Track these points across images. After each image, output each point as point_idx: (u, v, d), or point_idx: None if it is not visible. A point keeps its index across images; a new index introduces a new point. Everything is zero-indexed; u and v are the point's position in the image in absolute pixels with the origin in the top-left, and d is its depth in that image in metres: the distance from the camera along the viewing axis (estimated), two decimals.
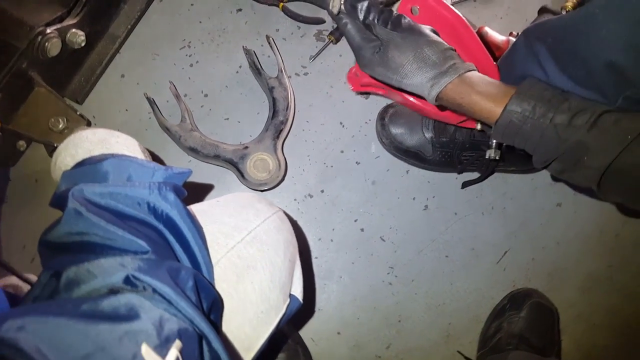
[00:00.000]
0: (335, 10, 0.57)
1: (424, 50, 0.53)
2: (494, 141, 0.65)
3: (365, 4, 0.56)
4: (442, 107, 0.64)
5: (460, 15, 0.63)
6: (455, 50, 0.56)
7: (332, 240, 0.88)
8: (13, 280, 0.78)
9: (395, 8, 0.63)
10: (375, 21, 0.56)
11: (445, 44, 0.56)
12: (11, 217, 0.86)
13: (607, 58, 0.45)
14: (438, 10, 0.62)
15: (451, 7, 0.63)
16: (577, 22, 0.48)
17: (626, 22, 0.43)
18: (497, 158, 0.65)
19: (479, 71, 0.56)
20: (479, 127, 0.68)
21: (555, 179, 0.89)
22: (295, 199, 0.88)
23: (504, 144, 0.59)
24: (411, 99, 0.68)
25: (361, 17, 0.56)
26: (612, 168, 0.46)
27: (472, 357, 0.85)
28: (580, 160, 0.48)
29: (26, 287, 0.77)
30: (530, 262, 0.89)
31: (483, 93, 0.52)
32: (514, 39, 0.81)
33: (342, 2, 0.57)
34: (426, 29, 0.56)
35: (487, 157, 0.62)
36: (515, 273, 0.89)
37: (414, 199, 0.89)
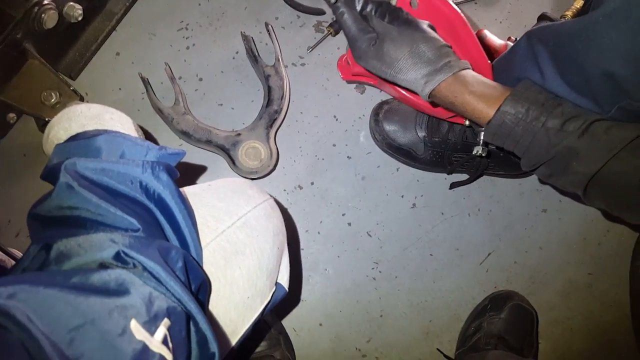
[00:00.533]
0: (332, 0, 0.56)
1: (420, 46, 0.53)
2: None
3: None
4: (434, 104, 0.64)
5: (460, 12, 0.63)
6: (452, 48, 0.56)
7: (319, 233, 0.88)
8: None
9: (394, 1, 0.63)
10: (373, 13, 0.56)
11: (442, 40, 0.56)
12: None
13: (605, 67, 0.46)
14: (437, 6, 0.63)
15: (451, 3, 0.63)
16: (580, 29, 0.49)
17: (629, 32, 0.43)
18: (483, 155, 0.65)
19: (473, 69, 0.56)
20: (467, 122, 0.69)
21: (542, 183, 0.91)
22: (284, 190, 0.89)
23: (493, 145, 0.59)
24: (403, 92, 0.69)
25: (359, 7, 0.56)
26: (599, 175, 0.47)
27: (451, 355, 0.86)
28: (569, 166, 0.49)
29: (10, 262, 0.76)
30: (512, 265, 0.91)
31: (476, 93, 0.52)
32: (512, 44, 0.82)
33: None
34: (424, 24, 0.56)
35: (474, 153, 0.62)
36: (498, 275, 0.90)
37: (402, 196, 0.90)
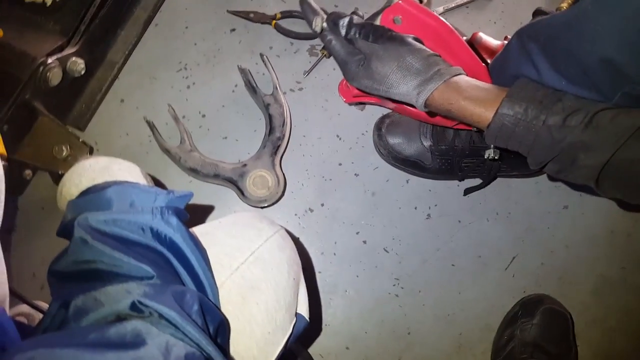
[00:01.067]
0: (318, 29, 0.58)
1: (407, 58, 0.53)
2: None
3: (346, 20, 0.57)
4: (432, 114, 0.64)
5: (444, 20, 0.63)
6: (440, 56, 0.56)
7: (334, 254, 0.87)
8: (24, 308, 0.79)
9: (378, 21, 0.64)
10: (357, 35, 0.57)
11: (429, 50, 0.56)
12: (20, 245, 0.86)
13: (601, 54, 0.45)
14: (421, 18, 0.63)
15: (434, 13, 0.63)
16: (570, 19, 0.48)
17: (618, 16, 0.43)
18: (496, 157, 0.64)
19: (467, 75, 0.56)
20: (474, 127, 0.68)
21: (552, 180, 0.89)
22: (296, 214, 0.88)
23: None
24: (404, 105, 0.69)
25: (343, 32, 0.57)
26: (609, 166, 0.46)
27: None
28: (577, 160, 0.48)
29: (37, 315, 0.78)
30: (539, 267, 0.88)
31: (472, 97, 0.52)
32: None
33: (324, 20, 0.58)
34: (408, 37, 0.56)
35: (486, 157, 0.62)
36: (525, 279, 0.88)
37: (415, 208, 0.89)
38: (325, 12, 0.59)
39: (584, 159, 0.47)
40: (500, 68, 0.64)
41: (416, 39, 0.57)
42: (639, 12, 0.41)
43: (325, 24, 0.58)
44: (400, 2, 0.62)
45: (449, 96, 0.52)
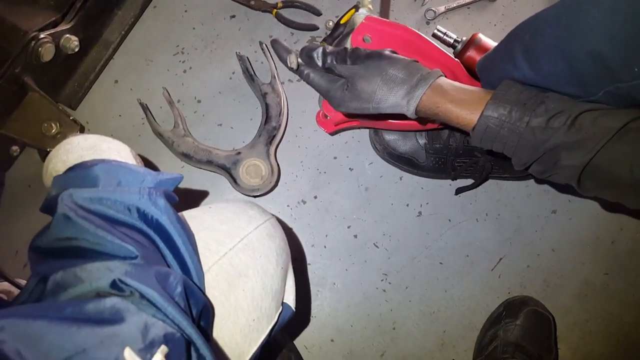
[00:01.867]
0: (294, 66, 0.58)
1: (389, 71, 0.54)
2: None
3: (320, 50, 0.57)
4: (422, 120, 0.64)
5: (409, 27, 0.65)
6: (418, 61, 0.57)
7: (325, 247, 0.87)
8: (5, 285, 0.78)
9: (348, 44, 0.66)
10: (334, 62, 0.57)
11: (407, 58, 0.56)
12: (4, 222, 0.85)
13: (591, 48, 0.45)
14: (388, 31, 0.64)
15: (397, 22, 0.65)
16: (559, 14, 0.48)
17: (608, 11, 0.43)
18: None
19: (446, 75, 0.56)
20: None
21: (540, 181, 0.89)
22: (288, 205, 0.88)
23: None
24: (390, 121, 0.71)
25: (320, 63, 0.57)
26: (590, 166, 0.47)
27: None
28: (559, 160, 0.48)
29: (18, 292, 0.77)
30: (525, 269, 0.89)
31: (456, 101, 0.52)
32: None
33: (298, 56, 0.58)
34: (384, 51, 0.57)
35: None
36: (511, 280, 0.88)
37: (407, 205, 0.89)
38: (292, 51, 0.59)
39: (566, 160, 0.48)
40: (488, 68, 0.65)
41: (392, 51, 0.58)
42: (630, 7, 0.42)
43: (300, 59, 0.58)
44: (364, 21, 0.64)
45: (435, 100, 0.53)
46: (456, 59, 0.68)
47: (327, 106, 0.71)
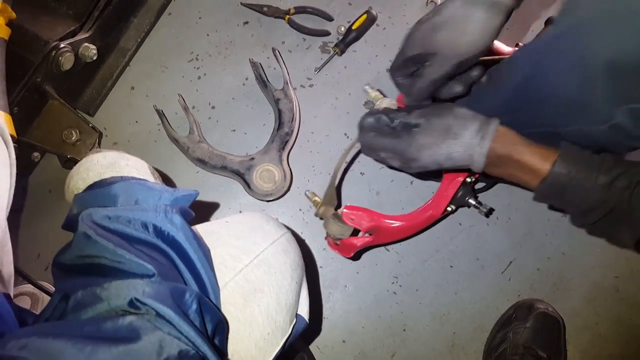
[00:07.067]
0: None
1: (457, 109, 0.54)
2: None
3: (382, 116, 0.57)
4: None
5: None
6: None
7: None
8: (29, 288, 0.81)
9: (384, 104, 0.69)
10: (397, 123, 0.57)
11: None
12: (26, 226, 0.88)
13: (606, 58, 0.44)
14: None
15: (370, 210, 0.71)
16: (565, 31, 0.48)
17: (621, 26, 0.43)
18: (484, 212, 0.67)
19: None
20: (469, 179, 0.70)
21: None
22: (300, 209, 0.90)
23: None
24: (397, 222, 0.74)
25: (386, 122, 0.57)
26: None
27: None
28: (620, 224, 0.49)
29: (41, 294, 0.80)
30: (535, 273, 0.89)
31: (528, 145, 0.52)
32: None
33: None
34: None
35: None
36: (521, 283, 0.89)
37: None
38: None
39: (626, 226, 0.49)
40: (500, 79, 0.63)
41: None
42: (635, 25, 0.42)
43: (364, 133, 0.58)
44: (344, 210, 0.69)
45: (506, 140, 0.52)
46: None
47: (334, 246, 0.74)
